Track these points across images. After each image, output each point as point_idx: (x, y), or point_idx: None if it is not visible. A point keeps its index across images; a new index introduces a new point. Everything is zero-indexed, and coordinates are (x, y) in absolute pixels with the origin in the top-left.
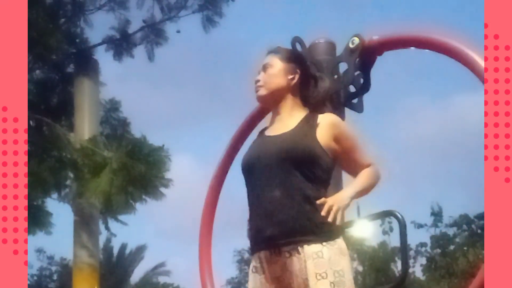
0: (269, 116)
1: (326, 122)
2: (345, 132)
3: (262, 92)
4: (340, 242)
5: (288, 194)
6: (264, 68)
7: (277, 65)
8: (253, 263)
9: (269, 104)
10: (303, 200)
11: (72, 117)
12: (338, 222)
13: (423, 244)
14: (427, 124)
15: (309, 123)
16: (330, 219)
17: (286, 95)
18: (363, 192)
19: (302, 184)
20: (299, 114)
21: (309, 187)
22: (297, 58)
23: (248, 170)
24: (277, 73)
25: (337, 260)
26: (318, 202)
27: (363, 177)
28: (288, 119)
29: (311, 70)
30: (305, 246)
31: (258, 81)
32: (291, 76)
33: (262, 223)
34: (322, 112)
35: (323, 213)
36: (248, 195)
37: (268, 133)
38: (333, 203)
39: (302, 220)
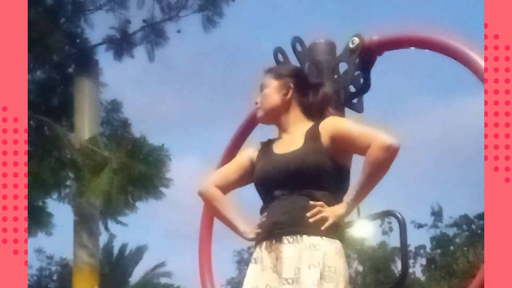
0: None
1: (322, 128)
2: (336, 127)
3: (260, 113)
4: (339, 243)
5: (298, 201)
6: (261, 89)
7: (271, 84)
8: (253, 255)
9: (270, 122)
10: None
11: (73, 117)
12: (322, 228)
13: (422, 245)
14: (426, 124)
15: (313, 137)
16: (311, 220)
17: (284, 112)
18: (365, 192)
19: (315, 194)
20: (304, 127)
21: (321, 195)
22: (290, 72)
23: (261, 188)
24: (270, 92)
25: (332, 257)
26: (317, 203)
27: (358, 182)
28: (294, 134)
29: (307, 80)
30: (305, 236)
31: (256, 103)
32: (284, 92)
33: (271, 217)
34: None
35: (309, 214)
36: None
37: (277, 150)
38: (324, 211)
39: (306, 212)
